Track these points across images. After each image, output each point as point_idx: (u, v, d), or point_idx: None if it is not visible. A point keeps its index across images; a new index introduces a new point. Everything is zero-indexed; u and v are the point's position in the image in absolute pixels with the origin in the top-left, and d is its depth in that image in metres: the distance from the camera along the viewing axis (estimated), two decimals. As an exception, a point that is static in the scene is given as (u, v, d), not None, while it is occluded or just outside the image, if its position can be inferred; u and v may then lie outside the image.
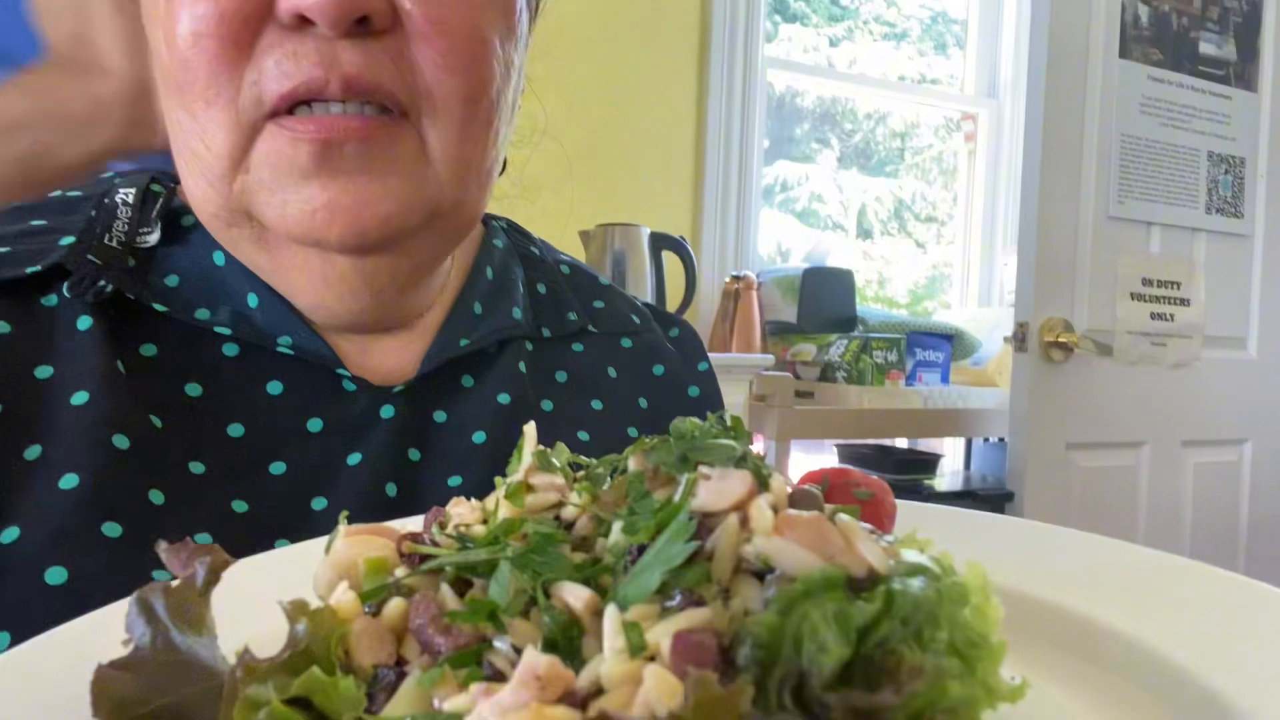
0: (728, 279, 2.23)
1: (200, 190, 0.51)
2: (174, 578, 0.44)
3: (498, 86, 0.52)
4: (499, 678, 0.23)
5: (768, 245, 2.95)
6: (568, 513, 0.30)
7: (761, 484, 0.26)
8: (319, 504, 0.52)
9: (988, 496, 2.09)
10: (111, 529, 0.45)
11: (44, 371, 0.49)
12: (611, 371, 0.68)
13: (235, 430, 0.52)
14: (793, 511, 0.25)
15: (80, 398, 0.48)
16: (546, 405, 0.63)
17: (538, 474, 0.31)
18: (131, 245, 0.54)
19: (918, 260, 3.39)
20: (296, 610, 0.25)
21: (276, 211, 0.49)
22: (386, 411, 0.56)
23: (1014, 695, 0.23)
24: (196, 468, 0.50)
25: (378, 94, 0.48)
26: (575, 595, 0.24)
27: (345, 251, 0.51)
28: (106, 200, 0.56)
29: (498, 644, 0.24)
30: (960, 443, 2.67)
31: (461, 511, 0.31)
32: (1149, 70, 2.13)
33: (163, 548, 0.28)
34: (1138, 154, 2.13)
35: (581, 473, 0.32)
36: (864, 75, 3.07)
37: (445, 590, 0.27)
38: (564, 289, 0.70)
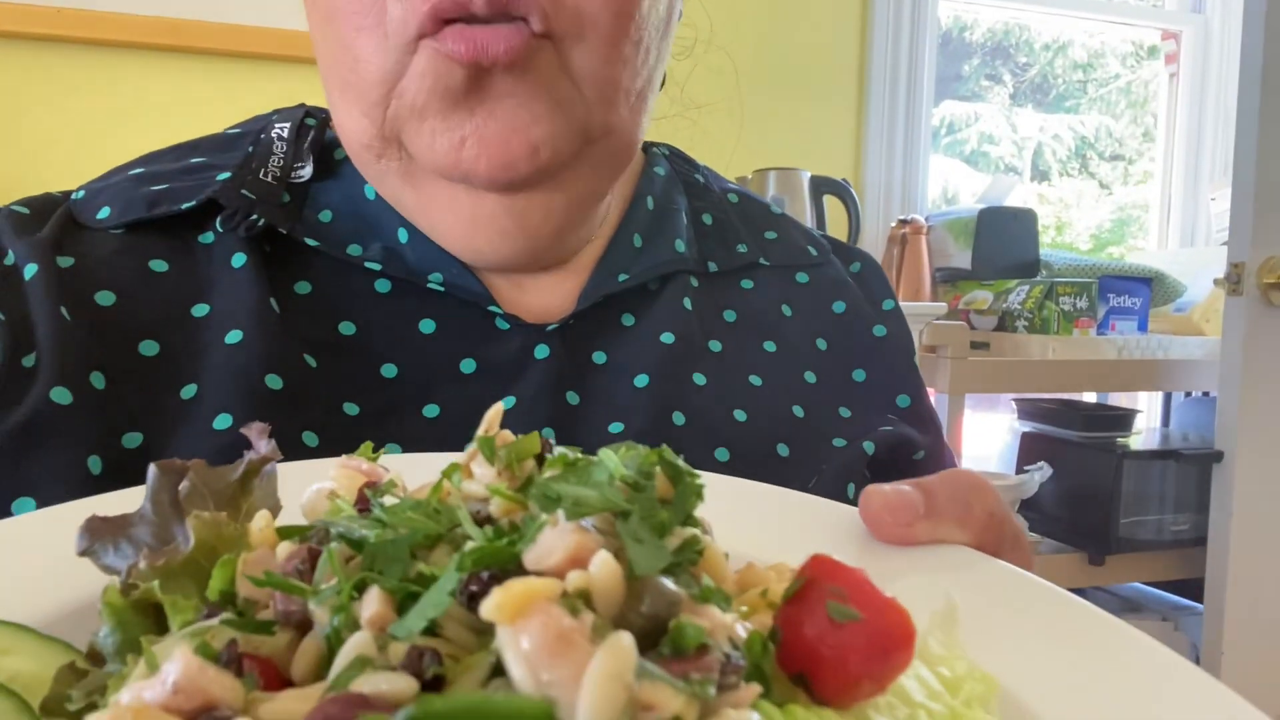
0: (894, 223, 2.11)
1: (353, 120, 0.49)
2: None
3: (649, 1, 0.48)
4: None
5: (934, 190, 2.78)
6: (494, 509, 0.26)
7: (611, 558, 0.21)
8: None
9: (1193, 456, 1.89)
10: None
11: (200, 309, 0.49)
12: (786, 310, 0.62)
13: (389, 370, 0.50)
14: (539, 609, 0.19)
15: (234, 336, 0.47)
16: (714, 346, 0.58)
17: (478, 462, 0.27)
18: (286, 180, 0.53)
19: (1102, 202, 3.14)
20: (196, 524, 0.26)
21: (426, 143, 0.47)
22: (541, 351, 0.52)
23: None
24: (350, 409, 0.49)
25: (522, 7, 0.44)
26: (370, 602, 0.21)
27: (495, 188, 0.48)
28: (263, 136, 0.55)
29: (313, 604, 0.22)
30: (1157, 398, 2.44)
31: (437, 464, 0.28)
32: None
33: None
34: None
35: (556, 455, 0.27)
36: (1045, -2, 2.82)
37: (331, 551, 0.24)
38: (733, 219, 0.65)
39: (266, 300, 0.49)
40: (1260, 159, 1.79)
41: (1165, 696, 0.25)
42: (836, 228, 1.94)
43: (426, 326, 0.52)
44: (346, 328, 0.51)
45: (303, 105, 0.58)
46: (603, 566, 0.20)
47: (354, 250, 0.52)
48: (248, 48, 1.81)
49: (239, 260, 0.50)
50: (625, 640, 0.18)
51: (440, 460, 0.28)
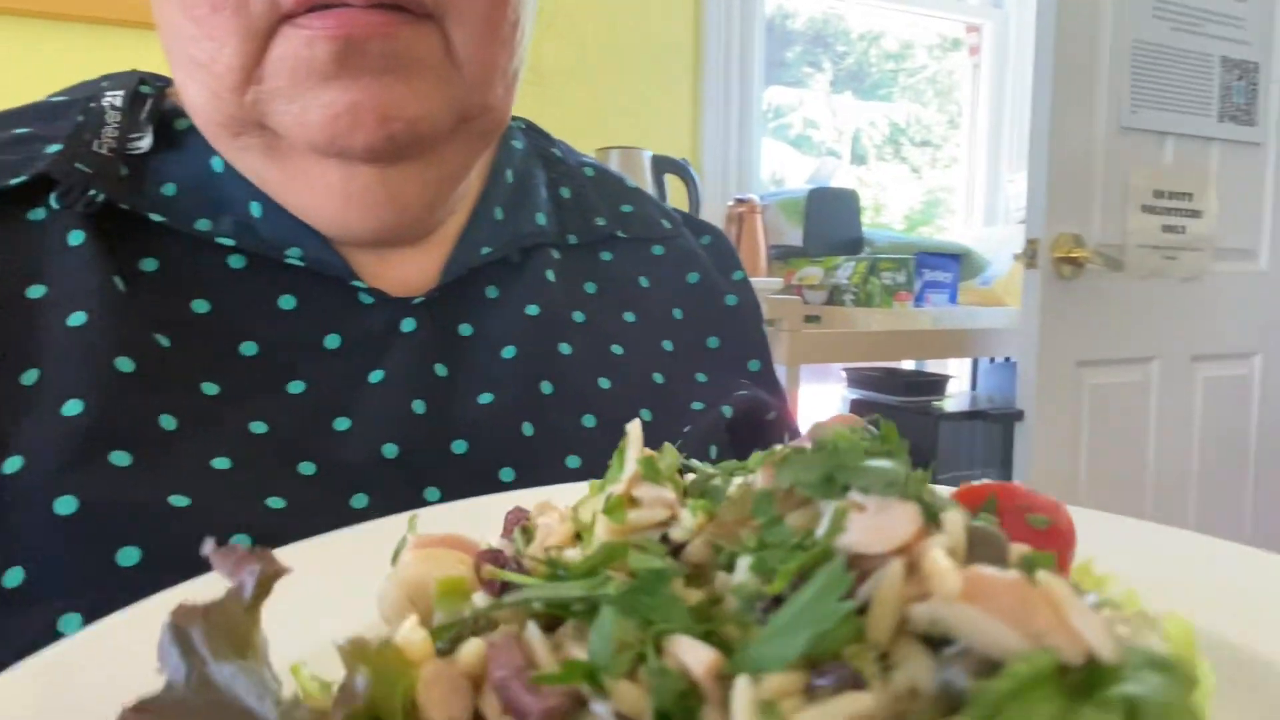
0: (730, 203, 2.18)
1: (204, 100, 0.47)
2: (192, 504, 0.41)
3: None
4: None
5: (764, 173, 2.89)
6: (677, 533, 0.24)
7: (932, 520, 0.21)
8: (342, 424, 0.48)
9: (998, 416, 2.07)
10: (120, 457, 0.41)
11: (36, 291, 0.45)
12: (644, 281, 0.64)
13: (248, 348, 0.49)
14: (984, 570, 0.19)
15: (78, 318, 0.44)
16: (578, 317, 0.59)
17: (642, 485, 0.26)
18: (123, 152, 0.50)
19: (912, 186, 3.34)
20: (355, 653, 0.20)
21: (295, 119, 0.45)
22: (407, 325, 0.52)
23: None
24: (209, 388, 0.46)
25: None
26: (694, 655, 0.19)
27: (371, 160, 0.47)
28: (93, 104, 0.52)
29: (596, 709, 0.19)
30: (966, 364, 2.65)
31: (549, 523, 0.26)
32: (1163, -29, 2.06)
33: (210, 549, 0.24)
34: (1151, 61, 2.06)
35: (691, 478, 0.27)
36: (860, -11, 2.97)
37: (531, 631, 0.22)
38: (590, 193, 0.66)
39: (110, 279, 0.46)
40: (1052, 144, 1.95)
41: None
42: (677, 206, 1.98)
43: (286, 303, 0.50)
44: (200, 305, 0.49)
45: (136, 71, 0.55)
46: (953, 525, 0.20)
47: (203, 225, 0.50)
48: (62, 8, 1.65)
49: (76, 238, 0.46)
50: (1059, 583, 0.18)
51: (484, 506, 0.27)
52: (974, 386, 2.59)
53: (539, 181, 0.63)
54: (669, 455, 0.27)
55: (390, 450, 0.47)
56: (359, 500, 0.45)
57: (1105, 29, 2.00)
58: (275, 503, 0.42)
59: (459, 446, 0.50)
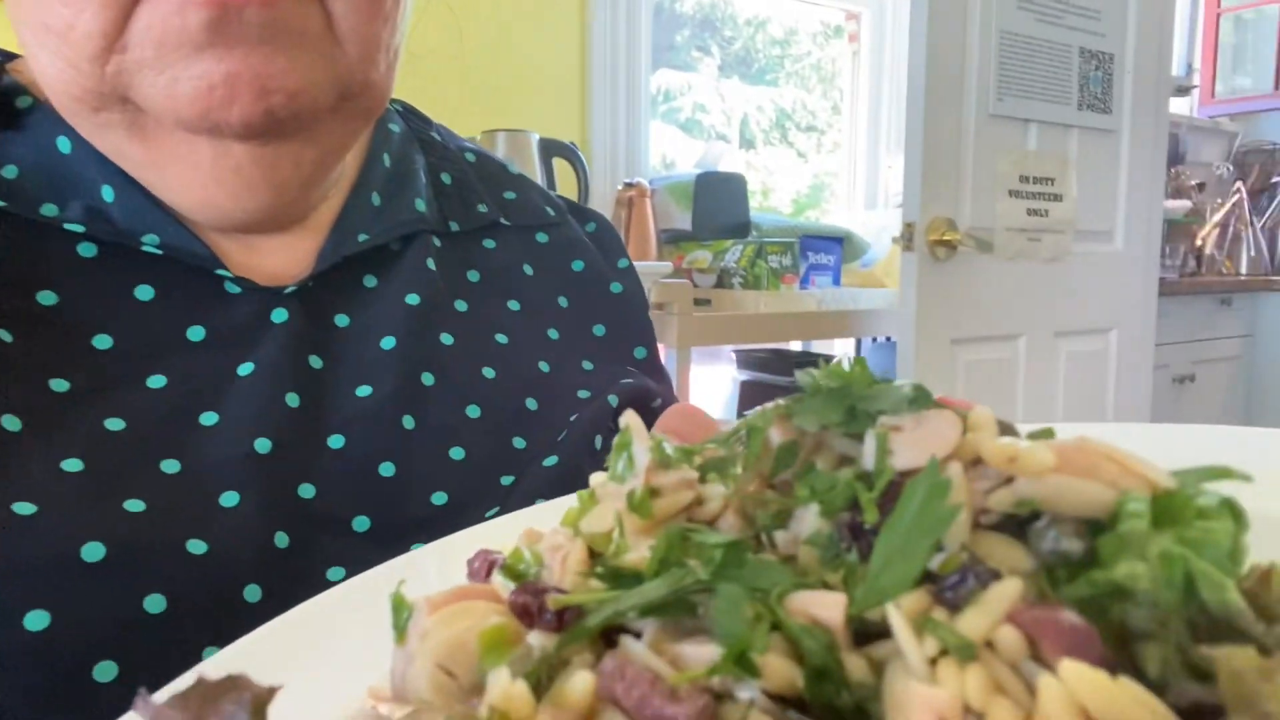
0: (620, 187, 2.18)
1: (57, 72, 0.43)
2: (39, 510, 0.38)
3: None
4: None
5: (654, 156, 2.90)
6: (705, 512, 0.23)
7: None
8: (209, 419, 0.46)
9: (880, 394, 2.14)
10: None
11: None
12: (528, 269, 0.63)
13: (102, 341, 0.46)
14: (1048, 441, 0.20)
15: None
16: (460, 306, 0.58)
17: (661, 472, 0.24)
18: None
19: (799, 170, 3.42)
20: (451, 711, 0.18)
21: (163, 92, 0.42)
22: (278, 315, 0.50)
23: None
24: (59, 385, 0.43)
25: None
26: (822, 606, 0.19)
27: (247, 136, 0.45)
28: None
29: (743, 694, 0.18)
30: (850, 344, 2.74)
31: (558, 542, 0.24)
32: (1026, -36, 2.16)
33: (143, 701, 0.19)
34: (1016, 51, 2.17)
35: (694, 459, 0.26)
36: (745, -25, 3.01)
37: (631, 645, 0.20)
38: (471, 178, 0.65)
39: None
40: (926, 131, 2.03)
41: None
42: (566, 190, 1.98)
43: (143, 293, 0.47)
44: (46, 297, 0.45)
45: None
46: (984, 419, 0.21)
47: (49, 210, 0.46)
48: None
49: None
50: None
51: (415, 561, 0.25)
52: (858, 365, 2.67)
53: (418, 167, 0.62)
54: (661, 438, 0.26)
55: (263, 445, 0.45)
56: (229, 498, 0.43)
57: (974, 19, 2.09)
58: (134, 505, 0.40)
59: (335, 441, 0.48)
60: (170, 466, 0.43)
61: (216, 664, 0.25)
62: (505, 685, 0.19)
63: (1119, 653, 0.17)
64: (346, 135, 0.51)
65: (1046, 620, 0.17)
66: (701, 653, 0.19)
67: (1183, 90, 3.72)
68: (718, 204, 2.24)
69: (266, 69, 0.43)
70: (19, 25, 0.45)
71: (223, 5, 0.41)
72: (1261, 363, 3.30)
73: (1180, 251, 3.27)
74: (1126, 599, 0.17)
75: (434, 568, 0.29)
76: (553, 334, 0.61)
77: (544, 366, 0.59)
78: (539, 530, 0.25)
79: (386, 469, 0.49)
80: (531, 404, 0.56)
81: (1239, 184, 3.60)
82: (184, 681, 0.19)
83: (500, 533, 0.28)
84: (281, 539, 0.43)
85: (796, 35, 3.29)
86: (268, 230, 0.52)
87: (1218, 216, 3.50)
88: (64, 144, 0.48)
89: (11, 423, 0.41)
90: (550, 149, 1.93)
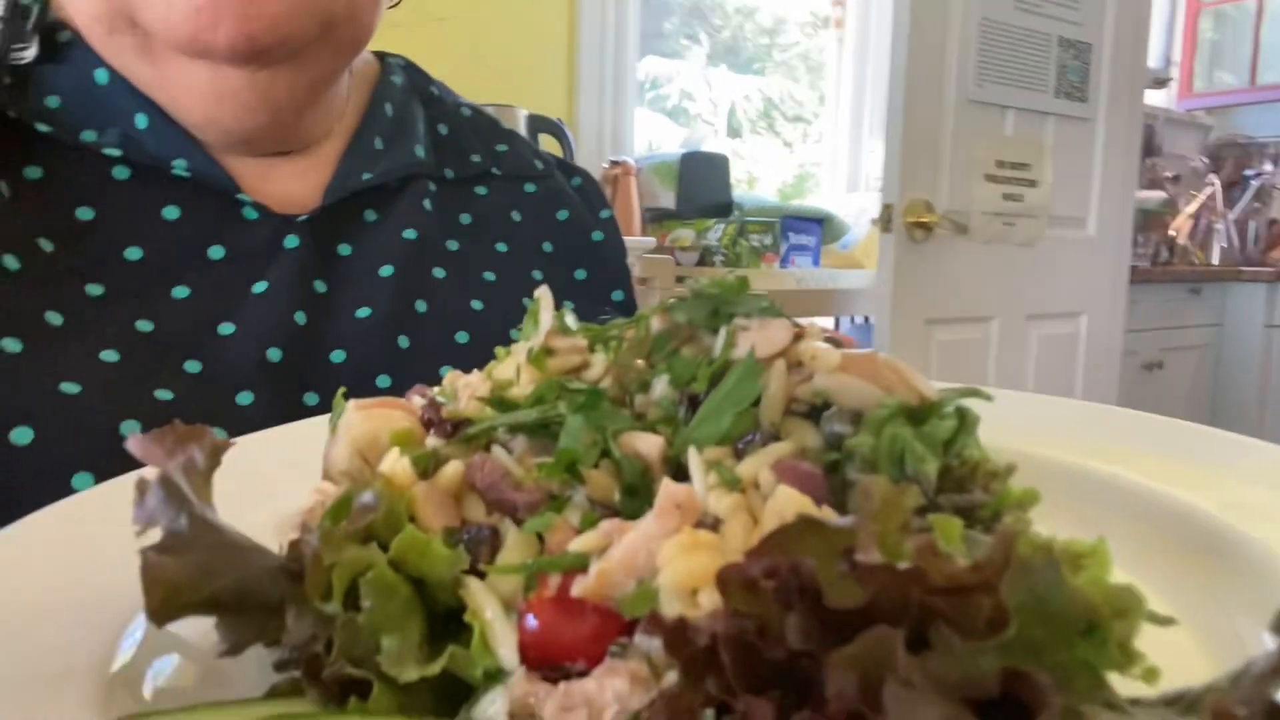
0: (606, 164, 2.23)
1: None
2: (83, 390, 0.43)
3: None
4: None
5: (639, 142, 2.94)
6: (590, 374, 0.29)
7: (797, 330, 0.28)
8: (226, 329, 0.51)
9: (856, 371, 2.19)
10: (11, 344, 0.43)
11: None
12: (516, 215, 0.68)
13: (133, 253, 0.51)
14: (847, 349, 0.26)
15: None
16: (452, 245, 0.63)
17: (558, 337, 0.30)
18: (6, 62, 0.51)
19: (785, 160, 3.44)
20: (357, 480, 0.24)
21: (160, 15, 0.47)
22: (290, 241, 0.55)
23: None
24: (94, 289, 0.49)
25: None
26: (645, 443, 0.25)
27: (236, 60, 0.49)
28: None
29: (575, 496, 0.24)
30: (829, 323, 2.80)
31: (471, 381, 0.30)
32: (1007, -46, 2.21)
33: (135, 439, 0.24)
34: (996, 39, 2.21)
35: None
36: (733, -39, 3.04)
37: (499, 452, 0.26)
38: (466, 131, 0.70)
39: None
40: (907, 115, 2.07)
41: None
42: (552, 167, 2.01)
43: (170, 213, 0.52)
44: (84, 213, 0.50)
45: None
46: (814, 332, 0.26)
47: (89, 136, 0.51)
48: None
49: None
50: None
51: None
52: (836, 345, 2.71)
53: (418, 117, 0.66)
54: (565, 314, 0.32)
55: (274, 354, 0.51)
56: (244, 398, 0.49)
57: (956, 5, 2.13)
58: (164, 394, 0.45)
59: (338, 356, 0.53)
60: (193, 366, 0.48)
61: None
62: (394, 461, 0.25)
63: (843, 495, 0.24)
64: (334, 62, 0.55)
65: (791, 467, 0.23)
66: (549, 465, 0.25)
67: (1160, 82, 3.77)
68: (702, 184, 2.29)
69: None
70: None
71: None
72: (1229, 351, 3.37)
73: (1153, 241, 3.33)
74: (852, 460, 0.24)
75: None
76: (537, 275, 0.66)
77: (528, 302, 0.64)
78: (475, 374, 0.31)
79: (383, 381, 0.54)
80: (515, 334, 0.61)
81: (1213, 176, 3.66)
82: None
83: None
84: None
85: (785, 25, 3.32)
86: (273, 153, 0.57)
87: (1191, 207, 3.56)
88: (101, 75, 0.52)
89: (55, 318, 0.46)
90: (538, 124, 1.97)
